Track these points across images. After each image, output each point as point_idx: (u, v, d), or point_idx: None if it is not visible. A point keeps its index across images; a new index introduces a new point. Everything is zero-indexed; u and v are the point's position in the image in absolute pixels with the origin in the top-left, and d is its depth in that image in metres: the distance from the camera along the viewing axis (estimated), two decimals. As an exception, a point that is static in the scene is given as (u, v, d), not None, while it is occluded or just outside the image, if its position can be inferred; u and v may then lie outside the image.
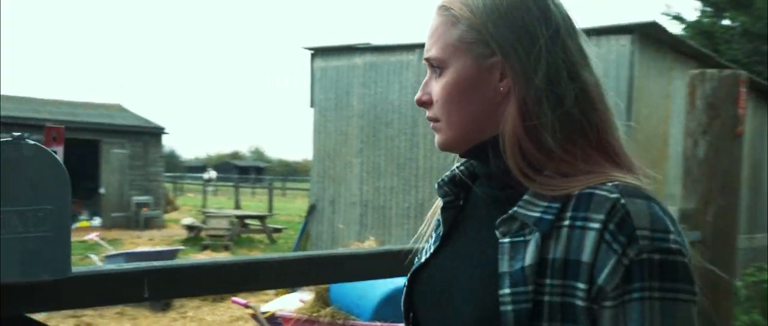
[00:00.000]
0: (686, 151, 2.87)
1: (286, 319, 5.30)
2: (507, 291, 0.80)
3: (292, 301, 5.67)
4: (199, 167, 62.92)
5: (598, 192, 0.80)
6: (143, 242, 14.01)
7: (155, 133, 19.71)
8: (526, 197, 0.84)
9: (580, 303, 0.78)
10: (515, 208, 0.84)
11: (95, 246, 11.12)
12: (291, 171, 63.64)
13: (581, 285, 0.78)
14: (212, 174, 43.08)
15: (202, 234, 14.40)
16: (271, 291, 6.56)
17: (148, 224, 17.89)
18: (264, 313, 5.45)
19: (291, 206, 25.43)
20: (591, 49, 0.91)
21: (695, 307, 0.79)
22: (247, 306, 5.53)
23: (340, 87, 10.99)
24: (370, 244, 6.49)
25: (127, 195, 18.39)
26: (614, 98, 0.93)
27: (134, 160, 18.85)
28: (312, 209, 11.34)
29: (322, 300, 5.27)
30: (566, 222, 0.81)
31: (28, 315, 1.63)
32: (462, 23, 0.88)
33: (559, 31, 0.87)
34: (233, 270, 1.96)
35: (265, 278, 2.00)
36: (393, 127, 10.24)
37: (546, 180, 0.84)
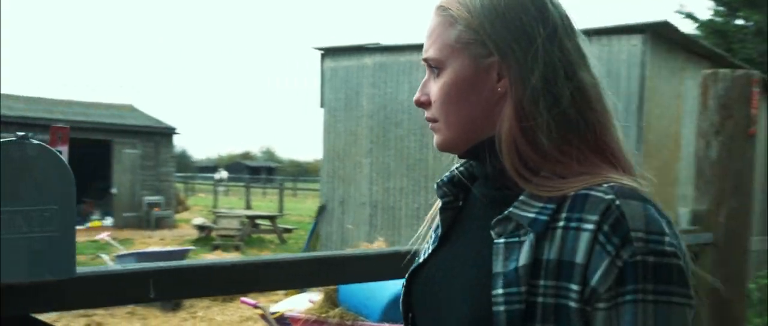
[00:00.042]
0: (698, 152, 2.85)
1: (295, 320, 5.29)
2: (500, 291, 0.80)
3: (302, 302, 5.66)
4: (210, 167, 63.20)
5: (593, 193, 0.80)
6: (154, 242, 14.07)
7: (166, 133, 19.80)
8: (521, 198, 0.84)
9: (573, 304, 0.77)
10: (511, 209, 0.84)
11: (106, 245, 11.18)
12: (302, 172, 63.77)
13: (574, 287, 0.77)
14: (223, 174, 43.26)
15: (213, 234, 14.44)
16: (281, 292, 6.57)
17: (160, 224, 17.96)
18: (273, 314, 5.45)
19: (302, 206, 25.47)
20: (590, 49, 0.91)
21: (691, 311, 0.78)
22: (256, 307, 5.53)
23: (350, 87, 11.00)
24: (379, 245, 6.48)
25: (138, 195, 18.48)
26: (613, 98, 0.92)
27: (146, 160, 18.94)
28: (322, 210, 11.35)
29: (331, 301, 5.27)
30: (561, 223, 0.80)
31: (34, 315, 1.63)
32: (459, 23, 0.88)
33: (557, 31, 0.86)
34: (240, 270, 1.96)
35: (272, 279, 1.99)
36: (403, 127, 10.23)
37: (542, 181, 0.83)
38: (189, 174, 49.00)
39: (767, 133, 9.56)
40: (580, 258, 0.77)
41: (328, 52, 11.37)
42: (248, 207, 23.47)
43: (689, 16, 16.91)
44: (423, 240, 1.05)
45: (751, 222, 2.93)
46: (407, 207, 10.10)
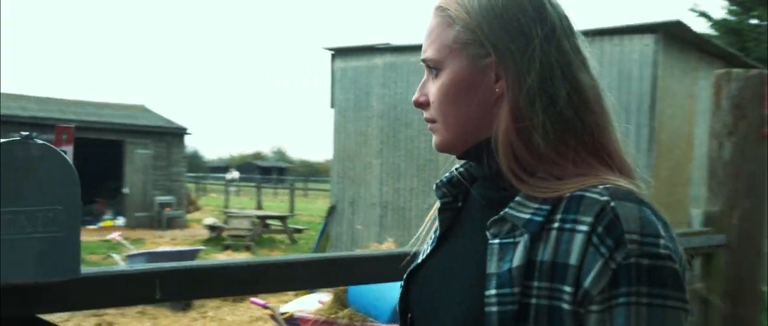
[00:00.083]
0: (711, 153, 2.82)
1: (304, 320, 5.29)
2: (493, 292, 0.80)
3: (311, 302, 5.66)
4: (222, 167, 63.45)
5: (588, 194, 0.79)
6: (165, 242, 14.12)
7: (178, 133, 19.88)
8: (517, 199, 0.84)
9: (566, 306, 0.77)
10: (506, 210, 0.84)
11: (118, 245, 11.23)
12: (313, 172, 63.89)
13: (568, 289, 0.77)
14: (235, 174, 43.43)
15: (224, 234, 14.47)
16: (291, 292, 6.56)
17: (171, 224, 18.04)
18: (282, 314, 5.44)
19: (313, 206, 25.50)
20: (589, 49, 0.90)
21: (685, 316, 0.77)
22: (265, 307, 5.53)
23: (360, 87, 10.99)
24: (388, 246, 6.46)
25: (150, 195, 18.56)
26: (612, 99, 0.92)
27: (157, 160, 19.03)
28: (332, 210, 11.35)
29: (340, 302, 5.26)
30: (556, 225, 0.80)
31: (39, 315, 1.63)
32: (458, 24, 0.88)
33: (555, 32, 0.86)
34: (246, 271, 1.95)
35: (278, 280, 1.99)
36: (413, 127, 10.21)
37: (538, 182, 0.83)
38: (201, 175, 49.22)
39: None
40: (573, 259, 0.77)
41: (339, 53, 11.37)
42: (259, 207, 23.53)
43: (703, 15, 16.82)
44: (423, 241, 1.05)
45: (765, 224, 2.89)
46: (417, 208, 10.07)
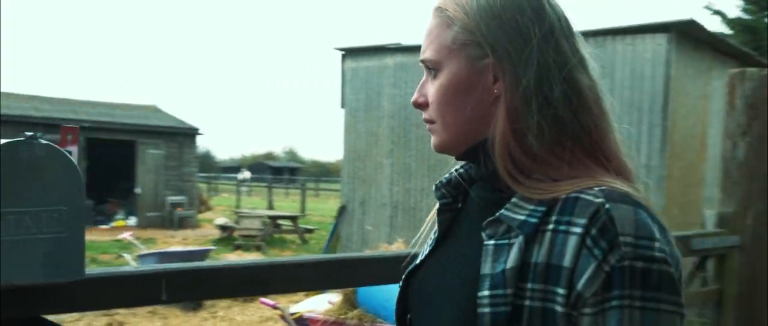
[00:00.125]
0: (725, 153, 2.80)
1: (314, 321, 5.28)
2: (486, 293, 0.79)
3: (321, 303, 5.65)
4: (233, 168, 63.69)
5: (583, 196, 0.79)
6: (176, 242, 14.17)
7: (190, 133, 19.96)
8: (513, 200, 0.83)
9: (559, 308, 0.76)
10: (502, 211, 0.83)
11: (129, 245, 11.29)
12: (324, 172, 64.02)
13: (561, 291, 0.76)
14: (246, 174, 43.59)
15: (235, 234, 14.51)
16: (301, 292, 6.56)
17: (183, 224, 18.11)
18: (292, 314, 5.44)
19: (324, 206, 25.53)
20: (588, 50, 0.90)
21: (681, 320, 0.76)
22: (275, 307, 5.53)
23: (371, 87, 10.98)
24: (398, 246, 6.44)
25: (161, 195, 18.65)
26: (610, 99, 0.91)
27: (169, 161, 19.11)
28: (342, 210, 11.34)
29: (350, 303, 5.25)
30: (550, 226, 0.79)
31: (45, 316, 1.62)
32: (456, 25, 0.88)
33: (554, 32, 0.85)
34: (252, 272, 1.94)
35: (283, 281, 1.97)
36: (424, 127, 9.92)
37: (534, 183, 0.83)
38: (212, 175, 49.42)
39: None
40: (567, 261, 0.76)
41: (349, 53, 11.36)
42: (270, 207, 23.58)
43: (717, 13, 16.68)
44: (424, 242, 1.05)
45: (780, 225, 2.85)
46: (428, 208, 9.84)
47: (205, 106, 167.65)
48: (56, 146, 1.44)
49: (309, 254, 13.16)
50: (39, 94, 19.46)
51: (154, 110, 21.21)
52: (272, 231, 14.66)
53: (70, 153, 1.51)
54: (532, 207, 0.81)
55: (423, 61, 0.92)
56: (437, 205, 1.01)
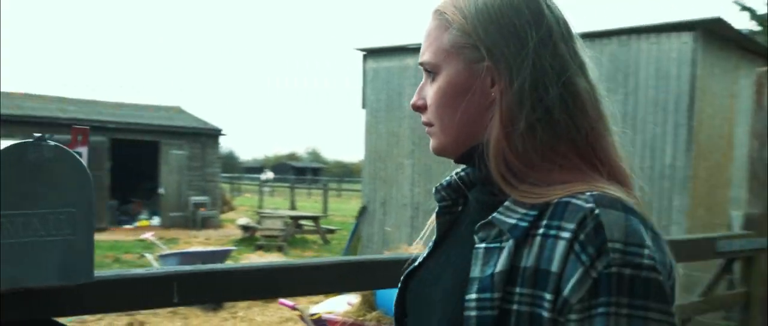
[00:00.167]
0: (752, 153, 2.74)
1: (333, 322, 5.27)
2: (473, 296, 0.79)
3: (340, 304, 5.64)
4: (256, 168, 64.15)
5: (574, 201, 0.78)
6: (198, 242, 14.28)
7: (213, 134, 20.10)
8: (506, 204, 0.83)
9: (546, 314, 0.75)
10: (494, 214, 0.83)
11: (152, 245, 11.39)
12: (347, 172, 64.20)
13: (548, 296, 0.75)
14: (269, 175, 43.86)
15: (257, 234, 14.58)
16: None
17: (205, 224, 18.25)
18: (312, 315, 5.43)
19: (346, 207, 25.58)
20: (588, 53, 0.90)
21: None
22: (293, 308, 5.52)
23: (392, 88, 10.95)
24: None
25: (185, 195, 18.81)
26: (609, 101, 0.90)
27: (192, 161, 19.27)
28: (363, 211, 11.32)
29: (369, 304, 5.23)
30: (541, 231, 0.79)
31: (56, 319, 1.61)
32: (454, 27, 0.88)
33: (552, 35, 0.85)
34: (264, 274, 1.92)
35: (296, 283, 1.95)
36: (445, 128, 10.11)
37: (527, 187, 0.82)
38: (236, 175, 49.80)
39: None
40: (555, 267, 0.75)
41: (370, 53, 11.34)
42: (293, 207, 23.67)
43: (746, 9, 16.37)
44: (426, 244, 1.05)
45: (810, 228, 2.78)
46: (449, 209, 9.98)
47: (228, 107, 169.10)
48: (65, 147, 1.43)
49: (327, 255, 13.18)
50: (65, 95, 19.72)
51: (178, 111, 21.40)
52: (294, 231, 14.71)
53: (79, 154, 1.50)
54: (523, 211, 0.81)
55: (421, 64, 0.93)
56: (437, 208, 1.01)
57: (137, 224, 17.66)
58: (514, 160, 0.83)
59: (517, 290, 0.77)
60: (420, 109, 0.95)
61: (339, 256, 11.11)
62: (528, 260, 0.78)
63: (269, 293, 2.09)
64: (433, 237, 1.03)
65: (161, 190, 18.54)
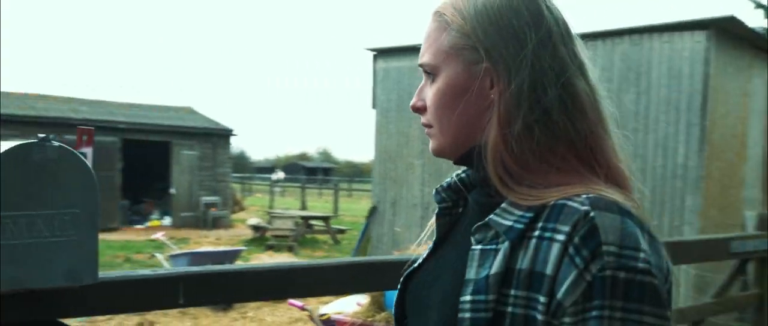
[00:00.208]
0: (766, 153, 2.69)
1: (342, 323, 5.25)
2: (467, 298, 0.79)
3: (350, 304, 5.62)
4: (267, 168, 64.28)
5: (569, 203, 0.78)
6: (209, 242, 14.31)
7: (224, 134, 20.16)
8: (503, 205, 0.83)
9: (540, 316, 0.75)
10: (491, 216, 0.83)
11: (162, 245, 11.42)
12: (358, 173, 64.20)
13: (542, 299, 0.75)
14: (280, 175, 43.94)
15: (268, 234, 14.59)
16: (330, 294, 6.53)
17: (216, 224, 18.30)
18: (321, 316, 5.42)
19: (356, 207, 25.57)
20: (588, 55, 0.89)
21: None
22: (303, 309, 5.51)
23: (402, 88, 10.92)
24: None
25: (196, 195, 18.87)
26: (607, 102, 0.89)
27: (203, 161, 19.33)
28: (373, 211, 11.30)
29: (378, 305, 5.22)
30: (536, 233, 0.78)
31: (61, 320, 1.60)
32: (453, 29, 0.87)
33: (551, 36, 0.84)
34: (271, 276, 1.91)
35: (303, 285, 1.94)
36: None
37: (524, 189, 0.82)
38: (247, 175, 49.93)
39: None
40: (549, 269, 0.75)
41: (381, 53, 11.31)
42: (303, 207, 23.70)
43: (761, 6, 16.20)
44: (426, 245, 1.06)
45: (825, 229, 2.73)
46: (459, 209, 9.94)
47: (240, 107, 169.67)
48: (69, 148, 1.42)
49: (337, 255, 13.17)
50: (77, 96, 19.84)
51: (189, 111, 21.47)
52: (304, 231, 14.72)
53: (84, 155, 1.49)
54: (520, 213, 0.80)
55: (421, 65, 0.92)
56: (437, 209, 1.01)
57: (148, 224, 17.74)
58: (511, 162, 0.82)
59: (512, 292, 0.77)
60: (419, 110, 0.94)
61: (349, 257, 11.09)
62: (523, 262, 0.77)
63: (279, 294, 2.07)
64: (434, 239, 1.02)
65: (172, 190, 18.61)
